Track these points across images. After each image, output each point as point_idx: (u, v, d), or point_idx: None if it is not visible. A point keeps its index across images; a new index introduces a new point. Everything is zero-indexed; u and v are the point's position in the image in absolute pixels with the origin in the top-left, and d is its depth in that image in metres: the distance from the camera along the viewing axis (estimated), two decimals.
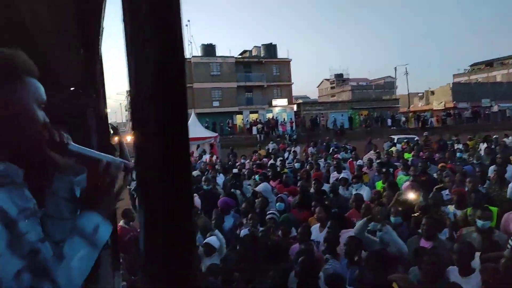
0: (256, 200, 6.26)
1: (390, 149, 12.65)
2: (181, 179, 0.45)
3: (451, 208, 4.97)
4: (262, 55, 40.05)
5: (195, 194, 6.45)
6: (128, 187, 9.51)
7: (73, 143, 1.09)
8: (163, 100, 0.44)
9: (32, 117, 1.03)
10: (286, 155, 13.97)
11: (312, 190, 6.66)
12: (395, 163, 9.11)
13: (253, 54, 41.23)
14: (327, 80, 68.35)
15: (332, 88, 65.45)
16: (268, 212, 5.37)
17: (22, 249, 0.89)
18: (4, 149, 0.98)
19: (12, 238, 0.87)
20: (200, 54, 36.62)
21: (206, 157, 13.86)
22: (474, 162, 8.48)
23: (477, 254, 3.38)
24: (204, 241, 4.43)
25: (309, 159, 11.74)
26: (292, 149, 15.13)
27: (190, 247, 0.47)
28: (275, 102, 38.22)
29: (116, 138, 3.18)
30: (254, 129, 32.26)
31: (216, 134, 18.60)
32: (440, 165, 7.75)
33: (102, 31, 2.00)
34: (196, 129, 16.08)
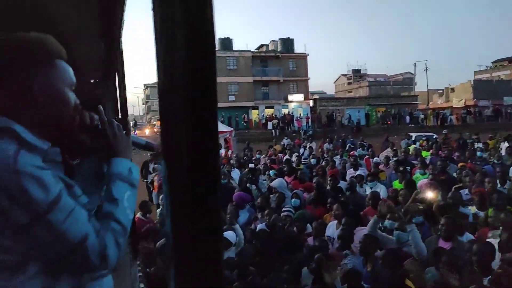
0: (271, 196, 6.25)
1: (408, 147, 12.45)
2: (209, 172, 0.43)
3: (472, 209, 4.85)
4: (279, 49, 39.83)
5: None
6: (144, 180, 9.64)
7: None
8: (192, 89, 0.43)
9: (65, 100, 1.08)
10: (301, 150, 13.91)
11: (328, 186, 6.61)
12: (413, 161, 8.97)
13: (270, 49, 41.05)
14: (344, 75, 67.56)
15: (349, 83, 64.64)
16: (283, 209, 5.36)
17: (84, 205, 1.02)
18: (44, 131, 1.03)
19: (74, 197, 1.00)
20: (217, 48, 36.57)
21: (221, 152, 13.91)
22: (495, 162, 8.27)
23: (498, 255, 3.31)
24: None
25: (325, 155, 11.65)
26: (308, 145, 15.04)
27: (216, 242, 0.46)
28: (291, 97, 38.02)
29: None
30: (270, 124, 32.19)
31: (231, 128, 18.62)
32: (460, 164, 7.58)
33: (123, 23, 2.00)
34: None
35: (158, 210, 7.30)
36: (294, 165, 9.35)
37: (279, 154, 12.57)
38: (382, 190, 6.23)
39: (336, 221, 4.72)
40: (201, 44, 0.44)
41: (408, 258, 3.69)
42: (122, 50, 2.50)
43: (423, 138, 15.21)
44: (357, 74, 64.79)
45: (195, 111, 0.42)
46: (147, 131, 36.04)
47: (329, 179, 6.91)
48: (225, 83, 34.87)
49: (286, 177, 7.57)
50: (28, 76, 1.01)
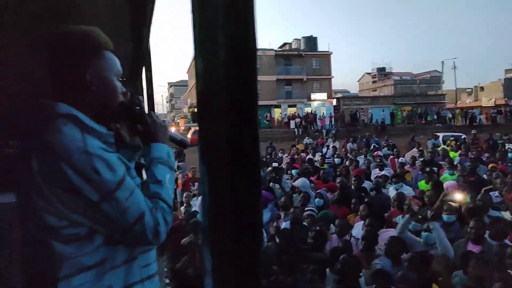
0: (294, 195, 6.22)
1: (436, 147, 12.13)
2: (250, 173, 0.44)
3: (506, 215, 4.67)
4: (302, 48, 39.56)
5: None
6: None
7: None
8: (234, 90, 0.43)
9: (114, 88, 1.17)
10: (324, 150, 13.77)
11: (352, 186, 6.52)
12: (440, 162, 8.73)
13: (293, 47, 40.83)
14: (369, 74, 66.45)
15: (374, 82, 63.53)
16: (306, 208, 5.33)
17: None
18: (98, 117, 1.12)
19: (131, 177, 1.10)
20: None
21: None
22: None
23: None
24: None
25: (349, 155, 11.51)
26: (331, 144, 14.88)
27: (257, 240, 0.46)
28: (314, 96, 37.68)
29: None
30: (292, 123, 32.00)
31: None
32: (490, 165, 7.33)
33: (152, 22, 2.03)
34: None
35: (182, 207, 7.39)
36: (317, 164, 9.28)
37: (302, 153, 12.50)
38: (407, 192, 6.09)
39: (362, 222, 4.66)
40: (243, 47, 0.44)
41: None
42: (149, 49, 2.55)
43: (451, 138, 14.78)
44: (382, 73, 63.54)
45: (237, 113, 0.43)
46: (172, 129, 36.54)
47: (353, 179, 6.82)
48: None
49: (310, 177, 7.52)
50: (82, 66, 1.10)
